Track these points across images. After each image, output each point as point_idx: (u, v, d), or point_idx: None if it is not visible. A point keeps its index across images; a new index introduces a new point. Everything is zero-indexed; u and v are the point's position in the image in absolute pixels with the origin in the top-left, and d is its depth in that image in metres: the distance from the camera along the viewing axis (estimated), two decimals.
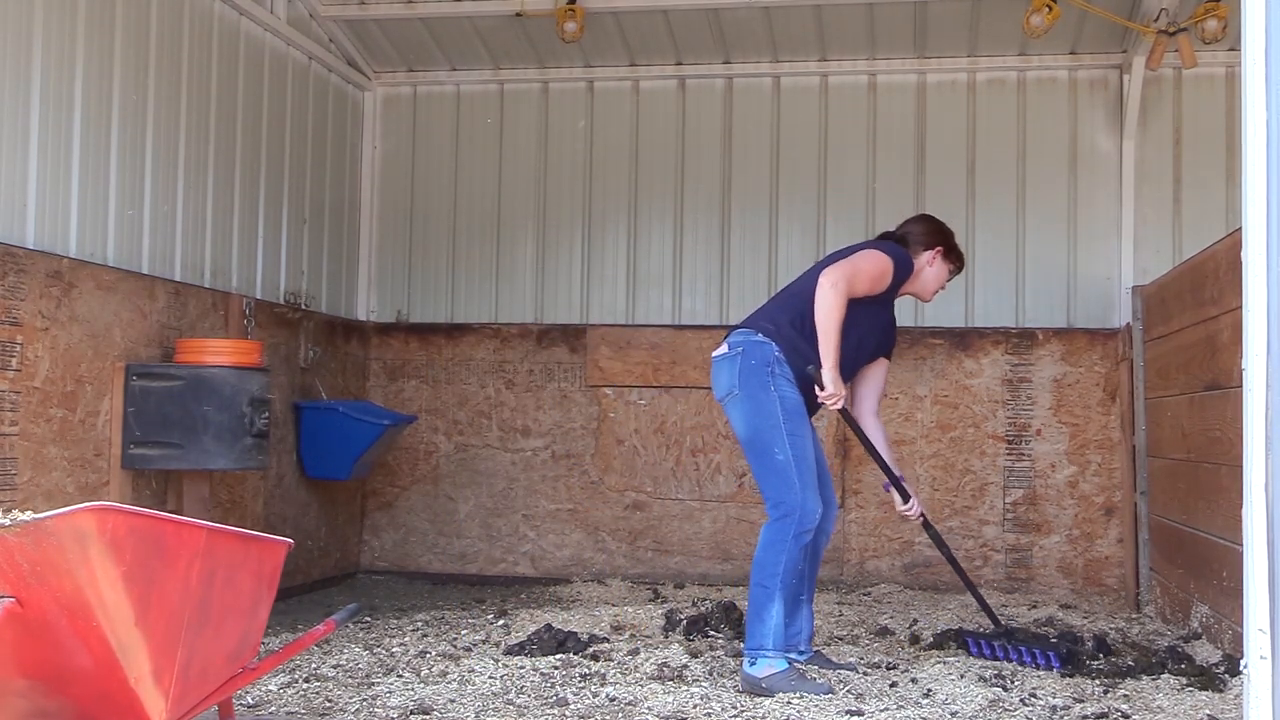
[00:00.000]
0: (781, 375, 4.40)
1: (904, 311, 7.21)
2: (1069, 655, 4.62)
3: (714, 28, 7.18)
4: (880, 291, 4.56)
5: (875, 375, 4.82)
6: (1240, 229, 2.94)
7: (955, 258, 4.81)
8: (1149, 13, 6.44)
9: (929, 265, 4.73)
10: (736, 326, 4.61)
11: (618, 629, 5.42)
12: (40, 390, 4.69)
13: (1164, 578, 5.89)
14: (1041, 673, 4.52)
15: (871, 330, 4.64)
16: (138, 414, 5.08)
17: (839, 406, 4.42)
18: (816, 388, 4.38)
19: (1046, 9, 6.37)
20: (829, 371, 4.35)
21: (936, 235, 4.78)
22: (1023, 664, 4.64)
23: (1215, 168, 7.00)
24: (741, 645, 4.98)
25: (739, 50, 7.42)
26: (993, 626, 4.95)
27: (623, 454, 7.30)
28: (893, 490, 4.77)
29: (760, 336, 4.46)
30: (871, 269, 4.51)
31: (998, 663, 4.67)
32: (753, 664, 4.28)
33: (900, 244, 4.72)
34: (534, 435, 7.41)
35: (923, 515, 4.79)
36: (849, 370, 4.66)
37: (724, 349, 4.54)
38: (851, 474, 6.96)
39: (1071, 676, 4.47)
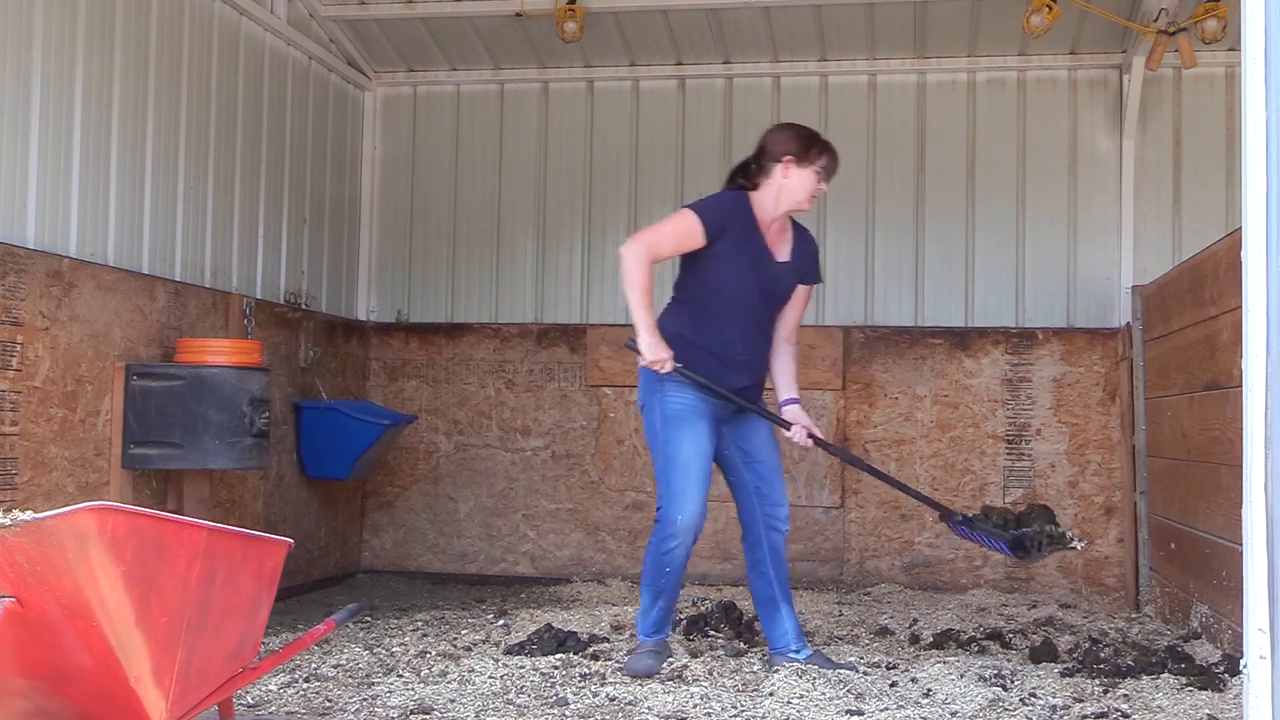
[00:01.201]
0: (670, 380, 4.40)
1: (904, 310, 7.27)
2: (1015, 541, 4.46)
3: (714, 28, 7.18)
4: (702, 245, 4.43)
5: (794, 302, 4.67)
6: (1240, 229, 2.94)
7: (816, 155, 4.50)
8: (1149, 13, 6.44)
9: (784, 177, 4.51)
10: None
11: (618, 629, 5.42)
12: (40, 390, 4.69)
13: (1164, 578, 5.89)
14: (1041, 672, 4.53)
15: (756, 278, 4.51)
16: (138, 414, 5.08)
17: (667, 370, 4.36)
18: (636, 357, 4.38)
19: (1046, 9, 6.37)
20: (643, 337, 4.33)
21: (781, 144, 4.54)
22: (986, 547, 4.66)
23: (1215, 168, 7.00)
24: (741, 645, 5.00)
25: (739, 50, 7.42)
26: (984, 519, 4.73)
27: (623, 454, 7.30)
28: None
29: None
30: (671, 226, 4.48)
31: (978, 543, 4.69)
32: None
33: (758, 164, 4.58)
34: (534, 435, 7.41)
35: (812, 436, 4.58)
36: (764, 323, 4.57)
37: None
38: (851, 473, 6.95)
39: (1024, 561, 4.49)
